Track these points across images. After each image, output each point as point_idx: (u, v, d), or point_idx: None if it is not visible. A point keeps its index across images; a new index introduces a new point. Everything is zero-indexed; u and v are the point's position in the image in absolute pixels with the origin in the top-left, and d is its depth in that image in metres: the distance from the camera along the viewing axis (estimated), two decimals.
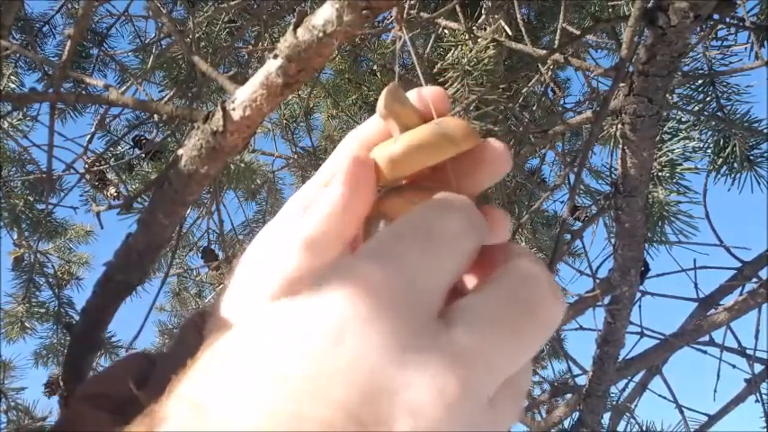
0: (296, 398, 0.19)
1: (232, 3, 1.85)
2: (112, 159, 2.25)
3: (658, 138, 1.21)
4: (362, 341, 0.20)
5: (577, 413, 1.75)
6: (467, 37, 1.36)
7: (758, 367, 1.81)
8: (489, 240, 0.26)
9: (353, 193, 0.28)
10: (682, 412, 1.87)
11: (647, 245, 1.39)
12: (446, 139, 0.27)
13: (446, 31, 1.45)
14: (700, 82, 1.35)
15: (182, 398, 0.20)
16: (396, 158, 0.28)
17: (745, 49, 1.28)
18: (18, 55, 2.09)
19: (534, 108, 1.85)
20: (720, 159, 1.36)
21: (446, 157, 0.27)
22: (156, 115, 1.77)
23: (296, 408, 0.19)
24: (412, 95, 0.30)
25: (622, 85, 1.10)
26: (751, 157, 1.36)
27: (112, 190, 2.12)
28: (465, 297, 0.23)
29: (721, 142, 1.36)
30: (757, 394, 1.81)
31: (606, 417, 1.85)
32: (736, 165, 1.35)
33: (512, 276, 0.24)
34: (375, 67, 2.45)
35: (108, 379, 0.37)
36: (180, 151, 0.66)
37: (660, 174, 1.33)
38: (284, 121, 2.72)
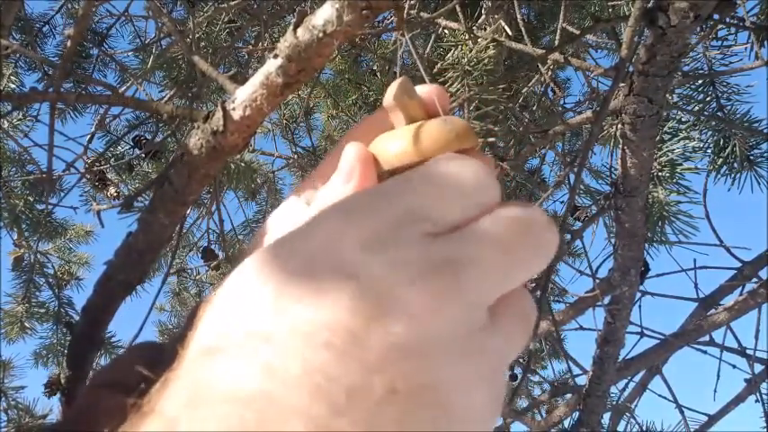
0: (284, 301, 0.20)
1: (232, 3, 1.85)
2: (112, 159, 2.25)
3: (658, 138, 1.21)
4: (352, 236, 0.21)
5: (577, 413, 1.75)
6: (467, 37, 1.36)
7: (758, 367, 1.81)
8: None
9: (355, 188, 0.29)
10: (682, 412, 1.87)
11: (647, 245, 1.39)
12: (454, 134, 0.29)
13: (446, 31, 1.45)
14: (700, 82, 1.35)
15: (158, 413, 0.20)
16: (406, 148, 0.29)
17: (745, 49, 1.28)
18: (18, 55, 2.09)
19: (534, 108, 1.85)
20: (720, 159, 1.36)
21: (450, 150, 0.28)
22: (156, 115, 1.77)
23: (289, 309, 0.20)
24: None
25: (622, 85, 1.10)
26: (751, 157, 1.36)
27: (112, 190, 2.12)
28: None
29: (721, 142, 1.36)
30: (757, 394, 1.81)
31: (606, 417, 1.85)
32: (736, 165, 1.35)
33: (510, 208, 0.25)
34: (375, 67, 2.45)
35: (119, 367, 0.37)
36: (180, 150, 0.66)
37: (660, 174, 1.33)
38: (284, 121, 2.72)
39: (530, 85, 1.81)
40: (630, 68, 1.05)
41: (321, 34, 0.52)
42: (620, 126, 1.16)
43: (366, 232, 0.21)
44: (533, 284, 1.43)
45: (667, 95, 1.11)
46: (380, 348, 0.19)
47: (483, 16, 1.62)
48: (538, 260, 0.24)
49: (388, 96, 0.31)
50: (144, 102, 0.79)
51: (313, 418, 0.18)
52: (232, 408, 0.18)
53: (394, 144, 0.29)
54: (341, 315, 0.20)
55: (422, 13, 1.41)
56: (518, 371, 2.62)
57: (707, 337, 1.83)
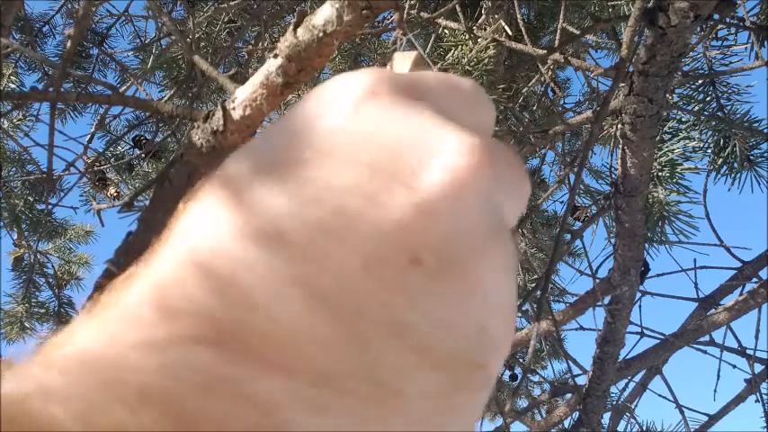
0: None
1: (232, 3, 1.85)
2: (112, 159, 2.25)
3: (658, 138, 1.21)
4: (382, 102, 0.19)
5: (577, 413, 1.75)
6: (467, 37, 1.36)
7: (758, 367, 1.81)
8: None
9: None
10: (682, 412, 1.87)
11: (647, 245, 1.39)
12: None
13: (446, 31, 1.45)
14: (700, 82, 1.35)
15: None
16: None
17: (745, 49, 1.28)
18: (18, 55, 2.09)
19: (534, 108, 1.85)
20: (720, 159, 1.36)
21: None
22: (156, 115, 1.77)
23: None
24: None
25: (622, 85, 1.10)
26: (751, 157, 1.36)
27: (112, 189, 2.12)
28: None
29: (721, 142, 1.36)
30: (757, 394, 1.81)
31: (606, 417, 1.86)
32: (736, 165, 1.35)
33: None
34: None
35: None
36: (180, 150, 0.66)
37: (660, 174, 1.33)
38: None
39: (530, 85, 1.81)
40: (630, 68, 1.05)
41: (321, 34, 0.52)
42: (620, 126, 1.16)
43: None
44: (533, 284, 1.43)
45: (667, 95, 1.11)
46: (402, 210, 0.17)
47: (483, 16, 1.62)
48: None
49: (402, 67, 0.29)
50: (144, 101, 0.79)
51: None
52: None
53: None
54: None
55: (422, 13, 1.41)
56: (518, 371, 2.62)
57: (707, 337, 1.83)
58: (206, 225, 0.18)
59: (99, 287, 0.19)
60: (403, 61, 0.29)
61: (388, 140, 0.19)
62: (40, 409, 0.14)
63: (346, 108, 0.20)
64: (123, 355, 0.15)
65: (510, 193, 0.20)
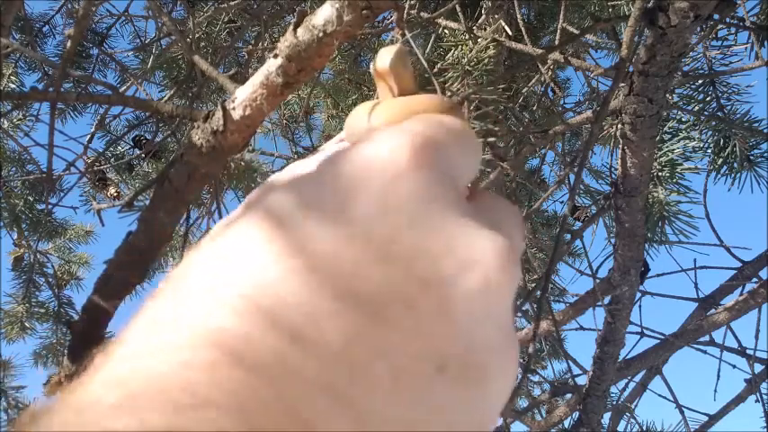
0: (354, 261, 0.18)
1: (232, 3, 1.85)
2: (112, 159, 2.25)
3: (658, 138, 1.21)
4: (416, 199, 0.19)
5: (577, 413, 1.75)
6: (467, 37, 1.36)
7: (758, 367, 1.81)
8: None
9: None
10: (682, 412, 1.87)
11: (647, 245, 1.39)
12: (453, 112, 0.28)
13: (446, 31, 1.45)
14: (700, 82, 1.35)
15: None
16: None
17: (745, 49, 1.28)
18: (18, 55, 2.09)
19: (534, 108, 1.85)
20: (720, 159, 1.36)
21: None
22: (156, 115, 1.77)
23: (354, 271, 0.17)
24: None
25: (622, 85, 1.10)
26: (751, 157, 1.36)
27: (112, 189, 2.12)
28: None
29: (721, 142, 1.36)
30: (757, 394, 1.81)
31: (606, 417, 1.85)
32: (736, 165, 1.35)
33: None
34: None
35: None
36: (180, 150, 0.66)
37: (660, 174, 1.33)
38: (284, 121, 2.72)
39: (530, 85, 1.81)
40: (630, 68, 1.05)
41: (321, 34, 0.52)
42: (620, 126, 1.16)
43: None
44: (533, 284, 1.43)
45: (667, 95, 1.11)
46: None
47: (483, 16, 1.62)
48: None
49: (383, 62, 0.29)
50: (144, 101, 0.79)
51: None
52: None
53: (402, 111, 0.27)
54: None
55: (422, 13, 1.41)
56: (518, 371, 2.62)
57: (707, 337, 1.83)
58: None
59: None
60: (385, 56, 0.29)
61: (424, 243, 0.18)
62: None
63: (378, 196, 0.19)
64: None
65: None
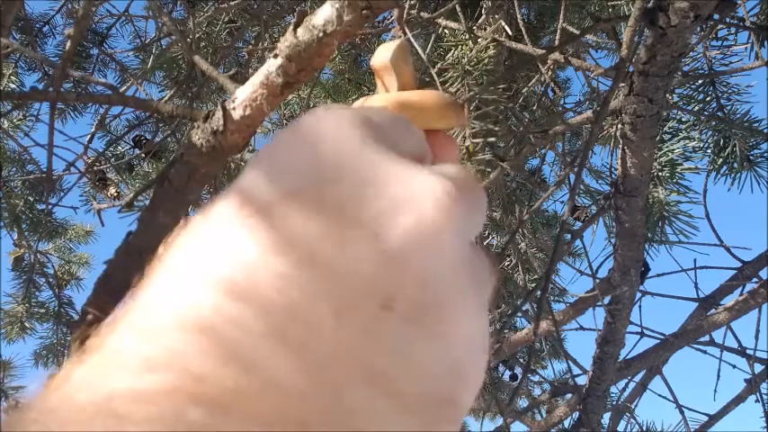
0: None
1: (232, 3, 1.85)
2: (112, 159, 2.25)
3: (658, 138, 1.21)
4: (349, 151, 0.19)
5: (577, 413, 1.75)
6: (467, 37, 1.36)
7: (758, 367, 1.81)
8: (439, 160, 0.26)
9: None
10: (682, 412, 1.87)
11: (647, 245, 1.39)
12: (452, 108, 0.28)
13: (446, 31, 1.45)
14: (700, 82, 1.35)
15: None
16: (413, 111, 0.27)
17: (745, 49, 1.28)
18: (18, 55, 2.09)
19: (534, 108, 1.85)
20: (720, 159, 1.36)
21: (442, 125, 0.28)
22: (156, 115, 1.77)
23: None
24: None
25: (622, 85, 1.10)
26: (751, 157, 1.36)
27: (112, 189, 2.12)
28: None
29: (721, 142, 1.36)
30: (757, 394, 1.81)
31: (606, 417, 1.86)
32: (736, 165, 1.35)
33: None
34: None
35: None
36: (180, 150, 0.66)
37: (660, 174, 1.33)
38: (284, 121, 2.72)
39: (530, 85, 1.81)
40: (630, 68, 1.05)
41: (321, 34, 0.52)
42: (620, 126, 1.16)
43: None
44: (533, 284, 1.43)
45: (667, 95, 1.11)
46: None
47: (483, 16, 1.62)
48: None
49: (384, 56, 0.29)
50: (144, 101, 0.79)
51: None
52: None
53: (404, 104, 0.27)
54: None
55: (422, 13, 1.41)
56: (518, 371, 2.62)
57: (707, 337, 1.83)
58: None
59: (85, 325, 0.19)
60: (386, 51, 0.29)
61: (354, 188, 0.18)
62: None
63: (303, 146, 0.20)
64: (109, 404, 0.15)
65: (475, 218, 0.20)
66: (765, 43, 1.24)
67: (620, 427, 1.96)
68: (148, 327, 0.17)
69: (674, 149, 1.32)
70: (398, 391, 0.17)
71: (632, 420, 1.96)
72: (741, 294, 1.73)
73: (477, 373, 0.19)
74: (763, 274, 1.71)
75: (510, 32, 1.44)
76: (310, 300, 0.17)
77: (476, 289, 0.19)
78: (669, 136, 1.35)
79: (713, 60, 1.35)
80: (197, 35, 1.89)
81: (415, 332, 0.17)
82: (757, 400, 1.82)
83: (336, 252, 0.17)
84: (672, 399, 1.92)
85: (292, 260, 0.17)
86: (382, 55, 0.29)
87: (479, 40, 1.34)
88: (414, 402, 0.17)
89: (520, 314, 2.26)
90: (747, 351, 1.81)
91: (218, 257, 0.17)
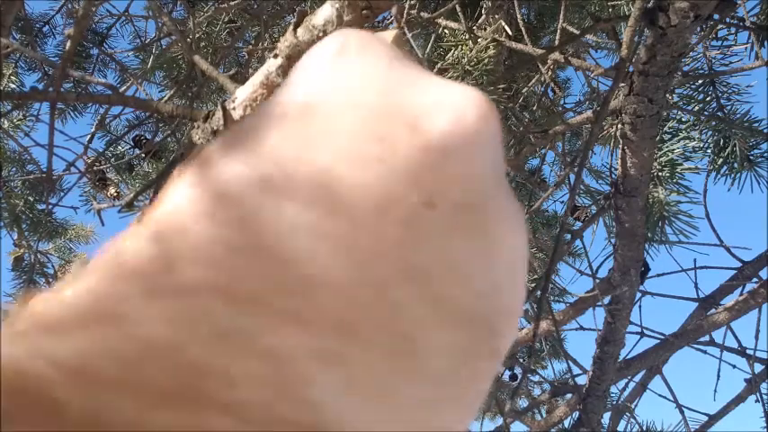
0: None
1: (232, 3, 1.85)
2: (112, 159, 2.25)
3: (658, 138, 1.21)
4: (370, 61, 0.19)
5: (577, 413, 1.76)
6: (467, 37, 1.36)
7: (758, 367, 1.81)
8: None
9: None
10: (682, 412, 1.87)
11: (647, 245, 1.39)
12: None
13: (446, 31, 1.45)
14: (700, 82, 1.35)
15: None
16: None
17: (745, 49, 1.28)
18: (18, 55, 2.09)
19: (534, 108, 1.85)
20: (720, 159, 1.36)
21: None
22: (156, 115, 1.77)
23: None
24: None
25: (622, 85, 1.10)
26: (751, 157, 1.36)
27: (112, 189, 2.12)
28: None
29: (721, 142, 1.36)
30: (757, 394, 1.81)
31: (606, 417, 1.86)
32: (736, 165, 1.35)
33: None
34: None
35: None
36: (180, 150, 0.66)
37: (660, 174, 1.33)
38: None
39: (530, 85, 1.81)
40: (630, 68, 1.05)
41: (321, 34, 0.52)
42: (620, 126, 1.16)
43: None
44: (533, 284, 1.43)
45: (667, 95, 1.11)
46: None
47: (483, 16, 1.62)
48: None
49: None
50: (144, 101, 0.79)
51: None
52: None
53: None
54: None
55: (422, 13, 1.41)
56: (518, 371, 2.62)
57: (707, 337, 1.83)
58: (208, 174, 0.17)
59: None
60: (389, 38, 0.29)
61: (386, 85, 0.18)
62: (29, 368, 0.13)
63: (328, 60, 0.19)
64: (119, 308, 0.14)
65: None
66: (765, 43, 1.24)
67: (620, 427, 1.97)
68: (163, 221, 0.16)
69: (674, 149, 1.32)
70: (443, 298, 0.16)
71: (632, 420, 1.96)
72: (741, 294, 1.73)
73: (519, 308, 0.18)
74: (763, 274, 1.71)
75: (510, 32, 1.44)
76: (350, 193, 0.16)
77: (515, 209, 0.19)
78: (669, 136, 1.35)
79: (713, 60, 1.35)
80: (197, 35, 1.89)
81: (458, 234, 0.17)
82: (757, 400, 1.82)
83: (375, 145, 0.17)
84: (672, 399, 1.92)
85: (325, 153, 0.16)
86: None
87: (479, 40, 1.34)
88: (459, 316, 0.16)
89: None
90: (747, 351, 1.81)
91: (256, 149, 0.17)
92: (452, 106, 0.17)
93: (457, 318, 0.16)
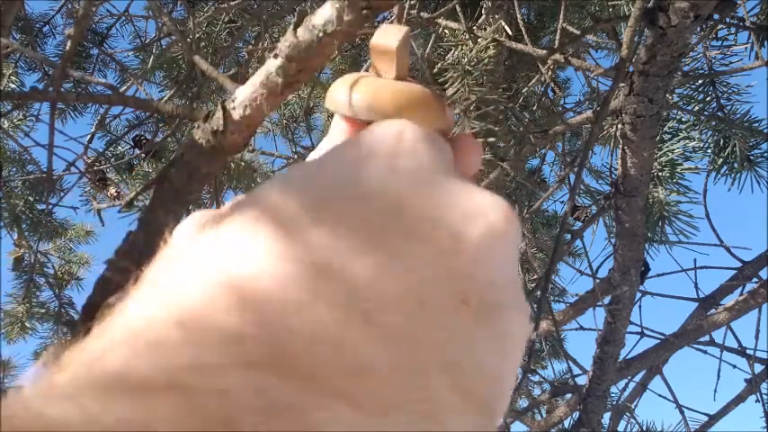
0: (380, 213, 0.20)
1: (232, 3, 1.85)
2: (112, 159, 2.25)
3: (658, 138, 1.21)
4: (417, 160, 0.22)
5: (577, 413, 1.75)
6: (467, 37, 1.36)
7: (758, 367, 1.81)
8: (462, 167, 0.28)
9: None
10: (682, 412, 1.87)
11: (647, 245, 1.39)
12: (440, 104, 0.28)
13: (446, 31, 1.45)
14: (700, 82, 1.35)
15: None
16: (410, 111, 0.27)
17: (745, 49, 1.28)
18: (18, 55, 2.09)
19: (534, 108, 1.85)
20: (720, 159, 1.36)
21: (430, 121, 0.27)
22: (156, 115, 1.77)
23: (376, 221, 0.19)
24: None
25: (622, 85, 1.10)
26: (751, 157, 1.36)
27: (112, 189, 2.12)
28: None
29: (721, 142, 1.36)
30: (757, 394, 1.81)
31: (606, 417, 1.85)
32: (736, 165, 1.35)
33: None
34: None
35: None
36: (180, 150, 0.66)
37: (660, 174, 1.33)
38: (284, 121, 2.72)
39: (530, 85, 1.81)
40: (630, 68, 1.05)
41: (321, 34, 0.52)
42: (620, 126, 1.16)
43: None
44: (533, 284, 1.43)
45: (667, 95, 1.11)
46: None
47: (483, 16, 1.62)
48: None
49: (391, 42, 0.28)
50: (144, 101, 0.79)
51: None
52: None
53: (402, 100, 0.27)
54: None
55: (422, 13, 1.41)
56: (518, 371, 2.62)
57: (707, 337, 1.83)
58: (249, 252, 0.18)
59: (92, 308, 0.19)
60: (392, 35, 0.29)
61: (431, 191, 0.21)
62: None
63: (386, 152, 0.22)
64: (188, 378, 0.15)
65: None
66: (765, 43, 1.24)
67: (620, 427, 1.96)
68: (195, 299, 0.17)
69: (674, 149, 1.32)
70: (468, 389, 0.18)
71: (632, 420, 1.96)
72: (741, 294, 1.73)
73: (509, 395, 0.21)
74: (763, 274, 1.71)
75: (510, 32, 1.44)
76: (397, 287, 0.18)
77: (524, 303, 0.22)
78: (669, 136, 1.35)
79: (713, 60, 1.34)
80: (197, 35, 1.89)
81: (483, 328, 0.19)
82: (757, 400, 1.82)
83: (425, 248, 0.19)
84: (672, 399, 1.92)
85: (382, 251, 0.18)
86: (388, 39, 0.28)
87: (479, 40, 1.34)
88: (477, 405, 0.18)
89: None
90: (747, 351, 1.81)
91: (307, 233, 0.18)
92: (485, 216, 0.20)
93: (475, 404, 0.18)
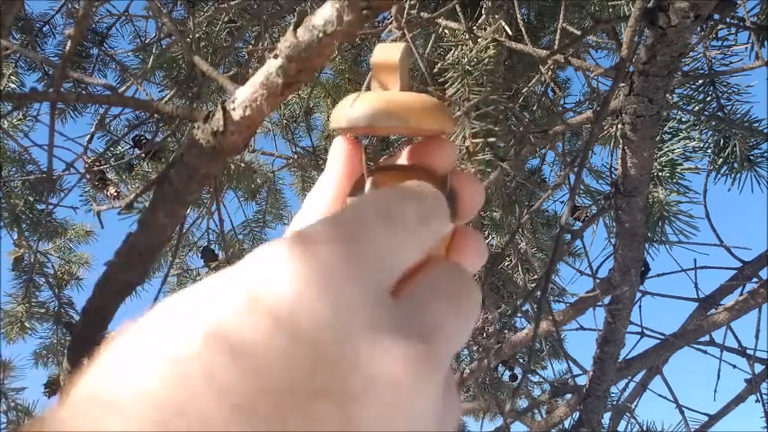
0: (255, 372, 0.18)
1: (232, 3, 1.85)
2: (112, 159, 2.25)
3: (658, 138, 1.21)
4: (316, 317, 0.19)
5: (577, 413, 1.75)
6: (467, 37, 1.36)
7: (758, 367, 1.81)
8: (461, 258, 0.28)
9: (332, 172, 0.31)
10: (682, 412, 1.87)
11: (647, 245, 1.39)
12: (443, 112, 0.29)
13: (446, 31, 1.45)
14: (700, 82, 1.35)
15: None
16: (415, 122, 0.28)
17: (745, 49, 1.28)
18: (18, 55, 2.09)
19: (534, 108, 1.85)
20: (720, 159, 1.36)
21: (434, 127, 0.29)
22: (156, 115, 1.77)
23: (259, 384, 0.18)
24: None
25: (622, 85, 1.10)
26: (751, 157, 1.36)
27: (112, 190, 2.12)
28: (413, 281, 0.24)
29: (721, 142, 1.36)
30: (757, 394, 1.81)
31: (606, 417, 1.85)
32: (736, 165, 1.35)
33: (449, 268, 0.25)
34: None
35: None
36: (180, 150, 0.66)
37: (660, 174, 1.33)
38: (284, 121, 2.72)
39: (530, 85, 1.81)
40: (630, 68, 1.05)
41: (321, 34, 0.52)
42: (620, 126, 1.16)
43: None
44: (533, 284, 1.43)
45: (667, 95, 1.11)
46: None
47: (483, 16, 1.62)
48: (474, 316, 0.25)
49: (392, 56, 0.29)
50: (144, 101, 0.79)
51: None
52: None
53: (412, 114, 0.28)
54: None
55: (422, 13, 1.41)
56: (518, 371, 2.62)
57: (707, 337, 1.83)
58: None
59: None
60: (394, 50, 0.30)
61: (329, 357, 0.19)
62: None
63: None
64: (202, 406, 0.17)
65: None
66: (765, 43, 1.24)
67: (620, 427, 1.96)
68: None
69: (674, 149, 1.32)
70: None
71: (632, 420, 1.96)
72: (741, 294, 1.73)
73: None
74: (763, 274, 1.71)
75: (510, 32, 1.44)
76: None
77: None
78: (669, 136, 1.35)
79: (713, 60, 1.34)
80: (197, 35, 1.89)
81: None
82: (757, 400, 1.82)
83: (302, 421, 0.18)
84: (672, 399, 1.92)
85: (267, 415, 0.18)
86: (389, 54, 0.30)
87: (479, 40, 1.34)
88: None
89: (520, 314, 2.26)
90: (747, 351, 1.81)
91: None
92: (382, 385, 0.19)
93: None
